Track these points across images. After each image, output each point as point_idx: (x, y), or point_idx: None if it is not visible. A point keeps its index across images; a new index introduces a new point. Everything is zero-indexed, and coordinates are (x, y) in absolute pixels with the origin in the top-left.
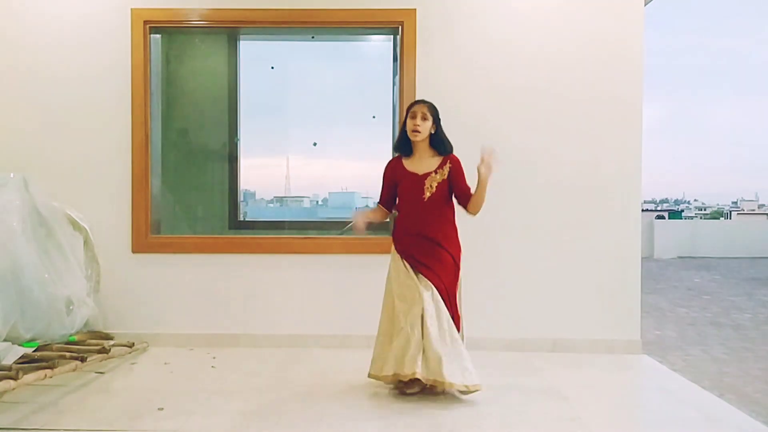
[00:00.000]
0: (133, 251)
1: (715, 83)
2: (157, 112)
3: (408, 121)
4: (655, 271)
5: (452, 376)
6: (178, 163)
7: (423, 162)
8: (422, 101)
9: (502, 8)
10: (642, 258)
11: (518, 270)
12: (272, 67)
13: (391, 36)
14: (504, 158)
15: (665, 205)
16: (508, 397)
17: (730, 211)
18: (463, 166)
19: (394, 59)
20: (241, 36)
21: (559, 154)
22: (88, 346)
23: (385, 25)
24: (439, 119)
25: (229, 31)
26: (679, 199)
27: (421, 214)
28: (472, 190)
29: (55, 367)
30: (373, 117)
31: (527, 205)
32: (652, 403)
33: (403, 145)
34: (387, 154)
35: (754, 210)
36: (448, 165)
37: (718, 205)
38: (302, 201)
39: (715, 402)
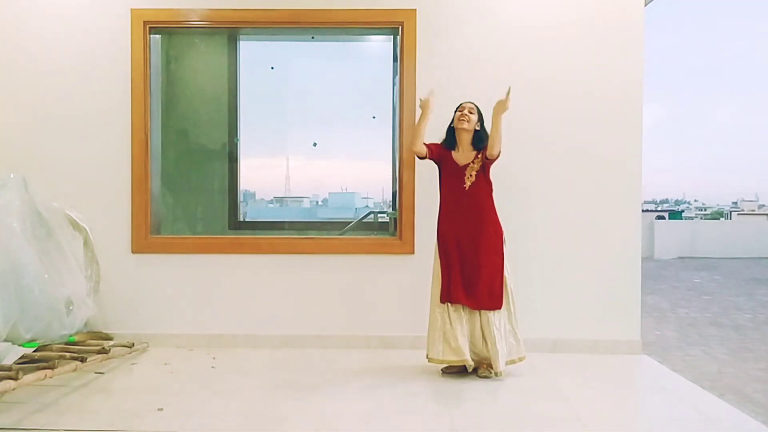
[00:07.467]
0: (133, 251)
1: (715, 83)
2: (157, 112)
3: (456, 113)
4: (655, 272)
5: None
6: (178, 163)
7: (464, 154)
8: (469, 102)
9: (501, 8)
10: (642, 258)
11: (518, 270)
12: (272, 68)
13: (391, 36)
14: (503, 158)
15: (665, 205)
16: (508, 397)
17: (730, 212)
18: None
19: (394, 59)
20: (241, 36)
21: (559, 154)
22: (88, 347)
23: (385, 25)
24: (483, 119)
25: (229, 31)
26: (679, 199)
27: (463, 202)
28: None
29: (55, 368)
30: (373, 117)
31: (527, 205)
32: (652, 403)
33: (448, 138)
34: (387, 154)
35: (754, 210)
36: (482, 154)
37: (718, 205)
38: (302, 201)
39: (715, 402)
